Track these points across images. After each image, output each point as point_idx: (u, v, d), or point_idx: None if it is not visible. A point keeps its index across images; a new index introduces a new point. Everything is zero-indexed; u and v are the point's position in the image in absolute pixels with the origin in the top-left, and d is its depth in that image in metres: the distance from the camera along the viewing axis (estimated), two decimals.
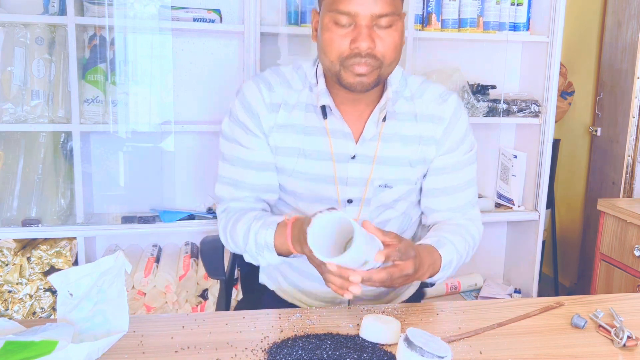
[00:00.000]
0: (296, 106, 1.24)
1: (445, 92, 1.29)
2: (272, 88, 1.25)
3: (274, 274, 1.41)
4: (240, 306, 1.52)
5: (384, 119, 1.23)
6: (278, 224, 1.15)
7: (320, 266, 1.04)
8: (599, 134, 2.92)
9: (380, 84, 1.20)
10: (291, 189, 1.27)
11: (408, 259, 1.03)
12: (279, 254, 1.17)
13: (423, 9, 2.46)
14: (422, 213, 1.36)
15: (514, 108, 2.54)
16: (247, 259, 1.25)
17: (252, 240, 1.18)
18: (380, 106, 1.22)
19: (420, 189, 1.32)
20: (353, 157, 1.23)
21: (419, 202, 1.34)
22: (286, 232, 1.11)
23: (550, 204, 3.01)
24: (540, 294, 2.71)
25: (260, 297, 1.44)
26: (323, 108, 1.22)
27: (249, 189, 1.26)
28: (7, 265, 2.15)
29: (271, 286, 1.42)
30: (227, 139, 1.28)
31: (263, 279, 1.44)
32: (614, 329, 1.05)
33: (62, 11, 2.09)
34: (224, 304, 1.51)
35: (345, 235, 0.98)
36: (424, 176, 1.30)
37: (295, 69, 1.28)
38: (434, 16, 2.46)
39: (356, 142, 1.23)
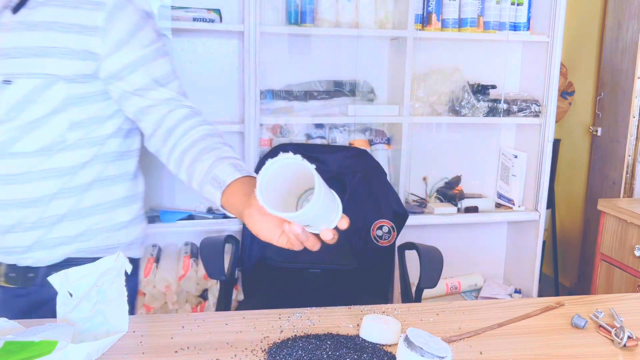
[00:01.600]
0: None
1: None
2: None
3: None
4: (242, 307, 1.52)
5: (15, 11, 1.09)
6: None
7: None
8: (599, 134, 2.92)
9: None
10: None
11: None
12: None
13: (423, 8, 2.45)
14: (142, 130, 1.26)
15: (514, 108, 2.54)
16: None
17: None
18: None
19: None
20: None
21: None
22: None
23: (551, 204, 3.01)
24: (541, 294, 2.71)
25: (262, 300, 1.43)
26: None
27: None
28: None
29: None
30: None
31: None
32: (615, 329, 1.05)
33: None
34: (223, 304, 1.51)
35: (294, 187, 0.84)
36: (111, 83, 1.16)
37: None
38: (434, 16, 2.45)
39: None
